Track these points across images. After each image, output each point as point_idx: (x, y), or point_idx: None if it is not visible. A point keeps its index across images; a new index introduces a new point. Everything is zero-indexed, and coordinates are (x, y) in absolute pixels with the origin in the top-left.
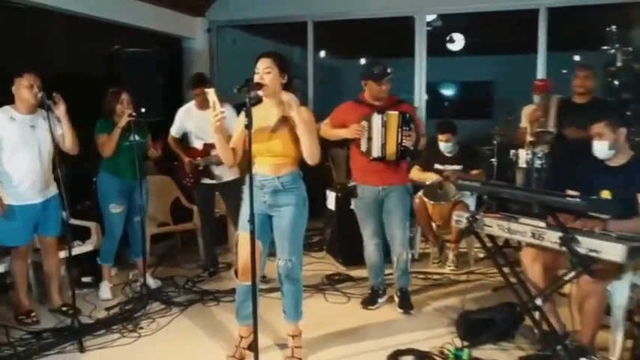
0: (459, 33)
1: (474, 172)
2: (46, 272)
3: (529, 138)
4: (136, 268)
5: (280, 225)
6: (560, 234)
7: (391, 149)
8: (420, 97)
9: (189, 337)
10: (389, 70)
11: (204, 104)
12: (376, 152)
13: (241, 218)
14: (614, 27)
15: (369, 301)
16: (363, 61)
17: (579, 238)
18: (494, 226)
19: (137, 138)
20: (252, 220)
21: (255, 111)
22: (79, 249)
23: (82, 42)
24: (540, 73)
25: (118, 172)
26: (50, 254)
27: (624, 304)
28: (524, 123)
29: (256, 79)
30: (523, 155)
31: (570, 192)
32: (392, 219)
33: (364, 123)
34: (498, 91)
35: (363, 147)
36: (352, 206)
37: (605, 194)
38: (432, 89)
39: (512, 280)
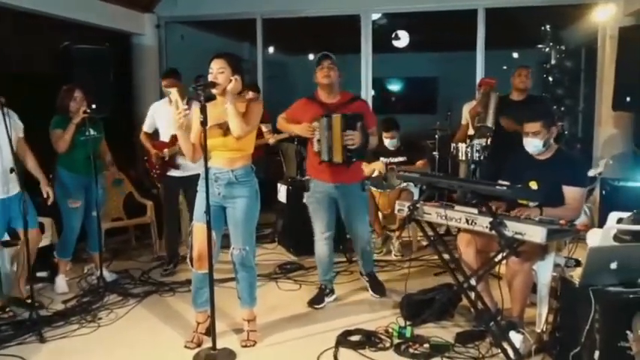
0: (404, 30)
1: (419, 162)
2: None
3: (470, 132)
4: (91, 261)
5: (234, 216)
6: (490, 219)
7: (337, 153)
8: (367, 93)
9: (148, 326)
10: (329, 55)
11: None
12: (324, 155)
13: (196, 209)
14: (548, 26)
15: (316, 301)
16: (311, 57)
17: (506, 222)
18: (433, 213)
19: (93, 133)
20: (208, 211)
21: (211, 108)
22: None
23: (30, 39)
24: (479, 69)
25: (74, 168)
26: (32, 246)
27: (548, 282)
28: (465, 120)
29: (210, 78)
30: (462, 149)
31: (502, 182)
32: (352, 217)
33: (315, 124)
34: (441, 86)
35: (315, 147)
36: (304, 200)
37: (533, 184)
38: (378, 85)
39: (451, 265)
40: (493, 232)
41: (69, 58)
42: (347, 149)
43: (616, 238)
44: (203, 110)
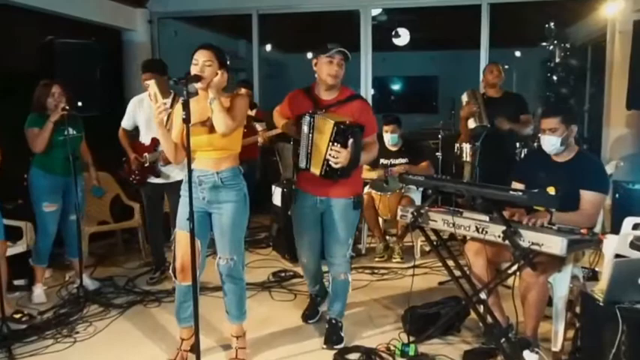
0: (404, 28)
1: (422, 164)
2: None
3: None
4: (72, 268)
5: (220, 222)
6: (503, 228)
7: (316, 163)
8: (367, 92)
9: (129, 341)
10: (345, 52)
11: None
12: (301, 161)
13: (179, 216)
14: (552, 24)
15: (310, 315)
16: (309, 55)
17: (521, 231)
18: (439, 220)
19: (72, 132)
20: (191, 218)
21: (194, 104)
22: (9, 250)
23: (14, 33)
24: (483, 67)
25: (50, 169)
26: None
27: (565, 296)
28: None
29: (195, 70)
30: (467, 149)
31: (517, 184)
32: (332, 236)
33: (299, 123)
34: (443, 86)
35: (298, 150)
36: (290, 212)
37: (551, 190)
38: (378, 84)
39: (457, 273)
40: (506, 241)
41: (52, 53)
42: (327, 164)
43: (633, 245)
44: (185, 106)
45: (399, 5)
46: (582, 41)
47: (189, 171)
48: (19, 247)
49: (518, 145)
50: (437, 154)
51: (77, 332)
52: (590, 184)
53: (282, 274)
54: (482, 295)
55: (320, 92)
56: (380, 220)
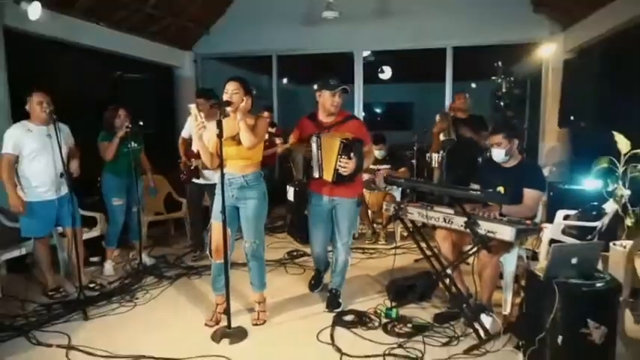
0: (388, 66)
1: (401, 169)
2: (75, 256)
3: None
4: (135, 249)
5: (246, 214)
6: (465, 219)
7: (328, 172)
8: (359, 114)
9: (176, 306)
10: (347, 90)
11: (206, 114)
12: (315, 172)
13: (214, 209)
14: (500, 63)
15: (315, 285)
16: (315, 87)
17: (479, 222)
18: (415, 213)
19: (134, 145)
20: (223, 211)
21: (226, 123)
22: (87, 234)
23: (92, 69)
24: (448, 96)
25: (117, 173)
26: (77, 241)
27: (513, 271)
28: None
29: (225, 97)
30: (435, 158)
31: (474, 185)
32: (339, 227)
33: (309, 143)
34: (416, 109)
35: (312, 164)
36: (306, 212)
37: (501, 189)
38: (367, 108)
39: (428, 253)
40: (467, 230)
41: (121, 84)
42: (337, 172)
43: (564, 232)
44: (219, 125)
45: (384, 48)
46: (523, 76)
47: (222, 175)
48: (94, 232)
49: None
50: (412, 161)
51: (137, 298)
52: (531, 184)
53: (295, 253)
54: (448, 271)
55: (322, 117)
56: (369, 212)
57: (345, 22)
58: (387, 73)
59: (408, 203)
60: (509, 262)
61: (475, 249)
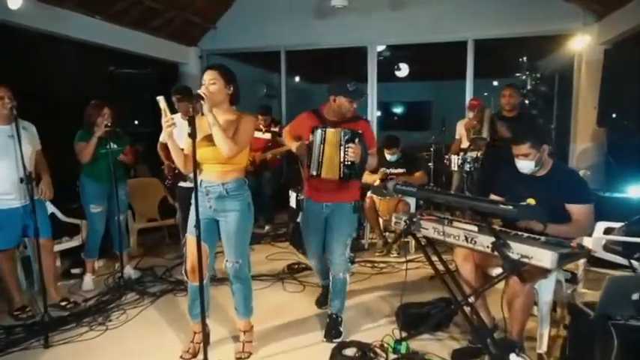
0: (405, 63)
1: (417, 173)
2: (43, 270)
3: (464, 145)
4: (123, 258)
5: (226, 229)
6: (492, 239)
7: (328, 167)
8: (373, 114)
9: (154, 330)
10: (365, 95)
11: (185, 112)
12: (312, 169)
13: (189, 222)
14: (525, 58)
15: (322, 302)
16: (328, 88)
17: (511, 243)
18: (430, 228)
19: (114, 147)
20: (197, 226)
21: (202, 120)
22: (67, 244)
23: (96, 67)
24: (468, 94)
25: (96, 177)
26: (43, 254)
27: (550, 300)
28: (458, 135)
29: (202, 90)
30: (455, 160)
31: (494, 196)
32: (333, 235)
33: (311, 137)
34: (434, 109)
35: (309, 161)
36: (298, 219)
37: (531, 201)
38: (382, 107)
39: (443, 269)
40: (495, 252)
41: (115, 80)
42: (345, 164)
43: (607, 248)
44: (191, 122)
45: (400, 42)
46: (550, 71)
47: (196, 183)
48: (74, 242)
49: None
50: (429, 164)
51: (110, 320)
52: (575, 198)
53: (296, 266)
54: (470, 299)
55: (331, 115)
56: (380, 220)
57: (357, 15)
58: (403, 70)
59: (421, 216)
60: (546, 289)
61: (504, 275)
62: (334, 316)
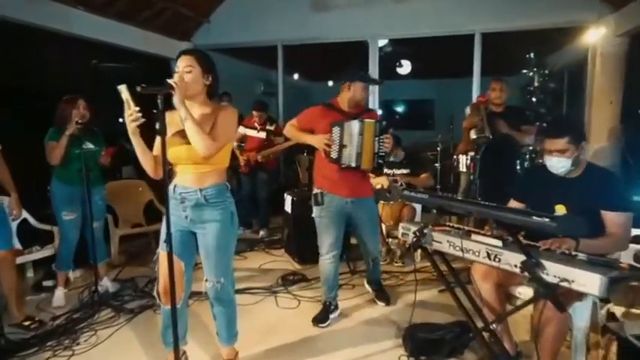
0: (407, 59)
1: (423, 175)
2: (3, 286)
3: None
4: (101, 270)
5: (205, 243)
6: (521, 257)
7: (367, 158)
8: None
9: (126, 355)
10: (377, 81)
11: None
12: (351, 161)
13: (162, 234)
14: (532, 54)
15: (321, 319)
16: (330, 83)
17: (545, 263)
18: (444, 242)
19: (90, 146)
20: (168, 240)
21: (174, 114)
22: (38, 254)
23: (76, 59)
24: (475, 91)
25: (68, 180)
26: (1, 268)
27: (586, 326)
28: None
29: (175, 78)
30: (463, 160)
31: (515, 203)
32: (366, 230)
33: (335, 129)
34: (438, 107)
35: (334, 154)
36: (314, 214)
37: (560, 209)
38: (384, 106)
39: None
40: (526, 273)
41: (100, 76)
42: (378, 155)
43: (637, 258)
44: (159, 117)
45: (402, 36)
46: (560, 67)
47: (166, 188)
48: (46, 251)
49: (519, 159)
50: (436, 164)
51: (78, 343)
52: (612, 204)
53: (291, 277)
54: (492, 325)
55: (345, 106)
56: (383, 226)
57: (357, 7)
58: (405, 67)
59: (433, 227)
60: (581, 314)
61: (533, 298)
62: (379, 284)
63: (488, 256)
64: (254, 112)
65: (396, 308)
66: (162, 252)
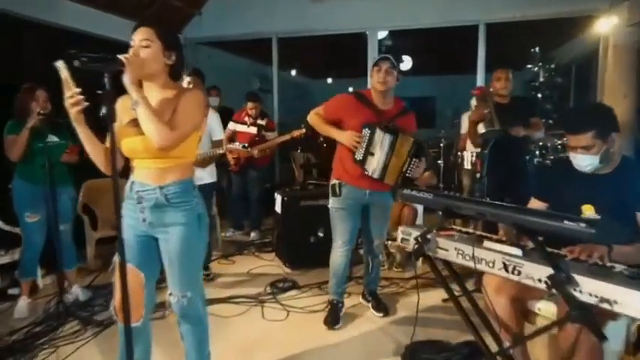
0: (407, 55)
1: (425, 174)
2: None
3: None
4: (70, 277)
5: (168, 250)
6: (547, 270)
7: (393, 175)
8: None
9: None
10: (389, 57)
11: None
12: (374, 172)
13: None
14: (537, 49)
15: (332, 321)
16: (329, 80)
17: (577, 278)
18: (451, 250)
19: (54, 139)
20: (120, 249)
21: (127, 98)
22: (3, 259)
23: (53, 49)
24: (480, 83)
25: (31, 178)
26: None
27: (620, 351)
28: (464, 129)
29: (130, 53)
30: (468, 157)
31: (537, 203)
32: (377, 226)
33: (365, 131)
34: (438, 105)
35: (358, 155)
36: (330, 204)
37: (588, 209)
38: None
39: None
40: (554, 291)
41: (74, 67)
42: (405, 175)
43: None
44: (106, 99)
45: (403, 27)
46: (567, 61)
47: (116, 185)
48: (6, 257)
49: (529, 154)
50: (439, 162)
51: None
52: None
53: (281, 285)
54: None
55: (377, 101)
56: None
57: None
58: (406, 63)
59: (438, 233)
60: (616, 336)
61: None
62: (375, 293)
63: (505, 267)
64: (248, 104)
65: (395, 319)
66: (119, 260)
